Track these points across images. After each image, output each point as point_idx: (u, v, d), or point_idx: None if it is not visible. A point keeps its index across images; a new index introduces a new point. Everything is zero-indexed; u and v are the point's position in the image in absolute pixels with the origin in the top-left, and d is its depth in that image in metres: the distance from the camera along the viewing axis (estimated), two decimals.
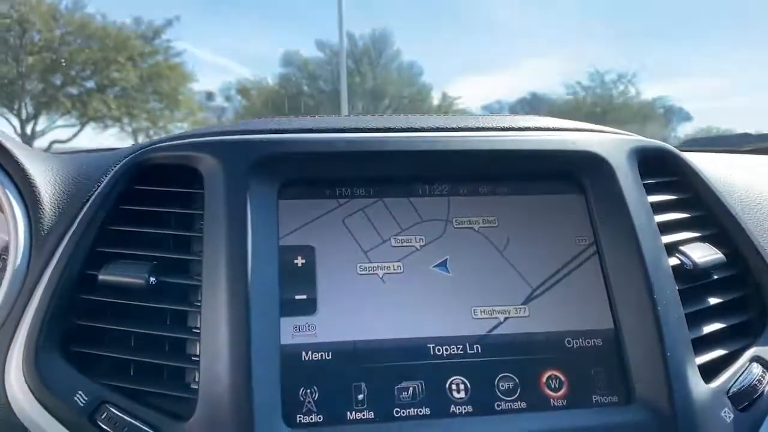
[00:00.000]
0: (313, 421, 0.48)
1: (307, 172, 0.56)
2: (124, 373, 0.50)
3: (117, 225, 0.55)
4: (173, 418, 0.48)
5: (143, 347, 0.51)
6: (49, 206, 0.57)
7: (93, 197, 0.56)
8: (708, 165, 0.67)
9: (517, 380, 0.52)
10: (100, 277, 0.52)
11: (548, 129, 0.63)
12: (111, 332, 0.52)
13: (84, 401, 0.48)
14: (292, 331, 0.51)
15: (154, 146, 0.58)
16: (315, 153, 0.56)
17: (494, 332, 0.53)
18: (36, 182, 0.58)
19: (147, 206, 0.56)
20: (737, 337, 0.58)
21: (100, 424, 0.47)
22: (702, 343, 0.56)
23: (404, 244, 0.56)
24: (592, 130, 0.64)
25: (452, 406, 0.50)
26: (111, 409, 0.47)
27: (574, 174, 0.60)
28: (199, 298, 0.51)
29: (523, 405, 0.51)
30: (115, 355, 0.50)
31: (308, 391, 0.49)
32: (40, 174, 0.59)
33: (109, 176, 0.57)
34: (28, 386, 0.48)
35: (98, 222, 0.55)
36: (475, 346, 0.53)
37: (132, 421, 0.47)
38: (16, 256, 0.55)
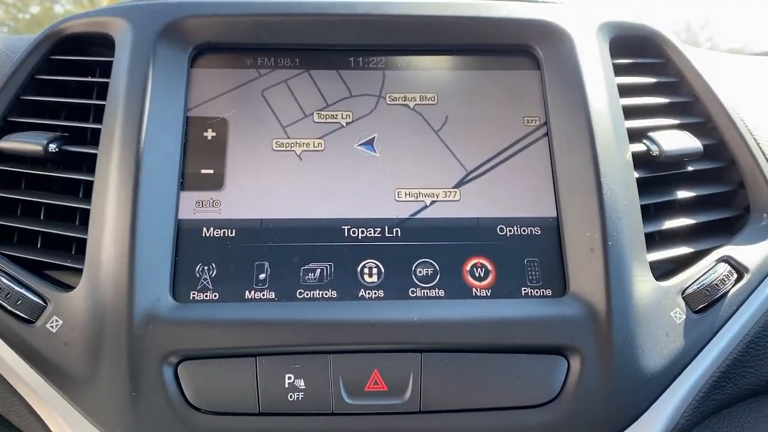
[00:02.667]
0: (208, 298, 0.45)
1: (222, 37, 0.51)
2: (19, 243, 0.48)
3: (30, 95, 0.52)
4: (61, 288, 0.45)
5: (37, 217, 0.49)
6: None
7: (9, 67, 0.53)
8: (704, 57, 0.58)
9: (437, 266, 0.47)
10: (0, 144, 0.49)
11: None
12: (6, 201, 0.49)
13: None
14: (194, 206, 0.47)
15: (72, 15, 0.55)
16: (231, 15, 0.51)
17: (417, 216, 0.48)
18: None
19: (61, 76, 0.53)
20: (708, 236, 0.51)
21: None
22: (663, 239, 0.49)
23: (328, 120, 0.51)
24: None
25: (362, 290, 0.46)
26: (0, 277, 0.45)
27: (529, 47, 0.52)
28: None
29: (441, 293, 0.46)
30: (8, 224, 0.48)
31: (206, 268, 0.46)
32: None
33: (26, 47, 0.54)
34: None
35: (12, 91, 0.52)
36: (394, 230, 0.48)
37: (18, 289, 0.45)
38: None
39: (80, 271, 0.45)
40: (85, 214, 0.48)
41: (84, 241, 0.47)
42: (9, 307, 0.44)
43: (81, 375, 0.43)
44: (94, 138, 0.51)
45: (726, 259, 0.49)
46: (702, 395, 0.46)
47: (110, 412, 0.42)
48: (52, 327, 0.44)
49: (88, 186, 0.49)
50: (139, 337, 0.42)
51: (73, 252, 0.48)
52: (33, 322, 0.44)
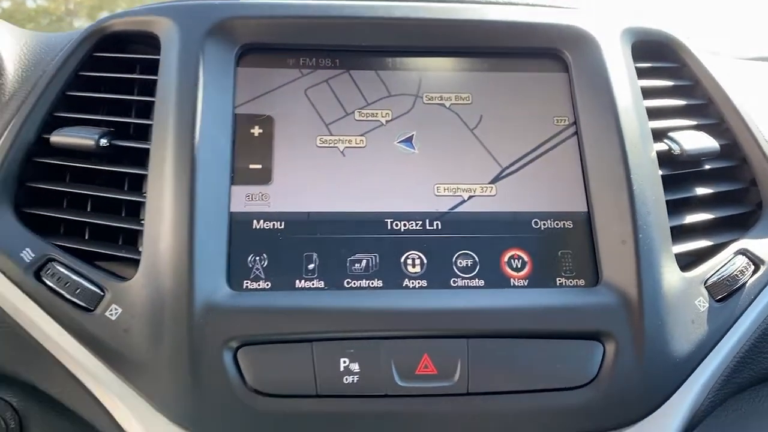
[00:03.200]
0: (261, 287, 0.47)
1: (266, 38, 0.53)
2: (72, 234, 0.50)
3: (75, 91, 0.54)
4: (117, 278, 0.47)
5: (91, 209, 0.50)
6: (12, 73, 0.56)
7: (53, 63, 0.55)
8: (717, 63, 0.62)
9: (476, 258, 0.49)
10: (52, 138, 0.51)
11: (536, 5, 0.58)
12: (61, 194, 0.51)
13: (30, 257, 0.47)
14: (244, 200, 0.49)
15: (114, 14, 0.56)
16: (275, 17, 0.53)
17: (456, 210, 0.51)
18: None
19: (105, 72, 0.54)
20: (725, 230, 0.54)
21: (45, 280, 0.46)
22: (684, 232, 0.52)
23: (369, 118, 0.53)
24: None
25: (406, 280, 0.48)
26: (57, 266, 0.47)
27: (558, 51, 0.55)
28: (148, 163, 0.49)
29: (481, 283, 0.49)
30: (64, 216, 0.50)
31: (257, 258, 0.48)
32: (4, 43, 0.57)
33: (69, 43, 0.55)
34: None
35: (57, 87, 0.53)
36: (435, 223, 0.50)
37: (76, 278, 0.46)
38: None
39: (133, 261, 0.47)
40: (134, 207, 0.50)
41: (134, 233, 0.49)
42: (68, 296, 0.46)
43: (141, 361, 0.44)
44: (137, 133, 0.53)
45: (743, 252, 0.52)
46: (724, 378, 0.49)
47: (171, 396, 0.44)
48: (111, 315, 0.45)
49: (135, 179, 0.51)
50: (199, 323, 0.43)
51: (120, 243, 0.50)
52: (92, 310, 0.46)
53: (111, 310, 0.45)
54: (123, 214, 0.50)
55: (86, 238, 0.50)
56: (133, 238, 0.49)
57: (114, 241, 0.50)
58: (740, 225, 0.55)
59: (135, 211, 0.50)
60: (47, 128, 0.52)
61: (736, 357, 0.50)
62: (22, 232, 0.48)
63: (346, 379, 0.43)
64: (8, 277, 0.47)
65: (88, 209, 0.51)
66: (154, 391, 0.44)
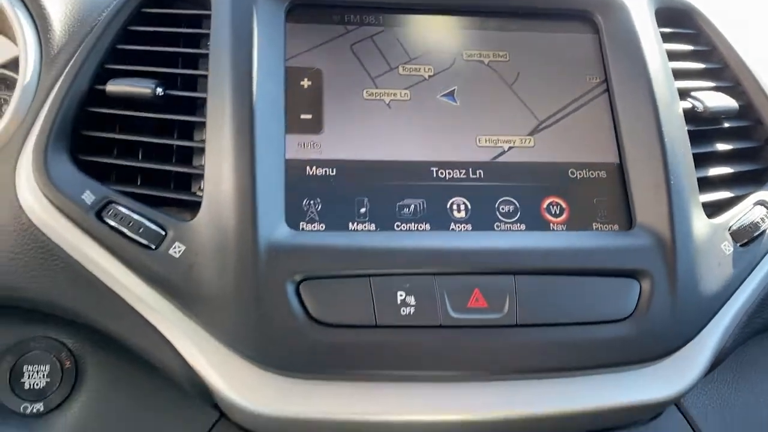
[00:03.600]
0: (316, 229, 0.49)
1: None
2: (131, 180, 0.51)
3: (125, 44, 0.55)
4: (178, 218, 0.49)
5: (149, 156, 0.52)
6: (60, 27, 0.57)
7: (102, 18, 0.56)
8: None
9: (517, 204, 0.52)
10: (108, 88, 0.52)
11: None
12: (118, 142, 0.52)
13: (92, 199, 0.49)
14: (296, 148, 0.52)
15: None
16: None
17: (498, 159, 0.53)
18: (45, 3, 0.58)
19: (155, 27, 0.56)
20: (743, 183, 0.58)
21: (107, 220, 0.48)
22: (707, 184, 0.56)
23: (412, 72, 0.55)
24: None
25: (452, 224, 0.51)
26: (118, 207, 0.48)
27: (589, 13, 0.58)
28: (205, 112, 0.51)
29: (523, 227, 0.51)
30: (122, 162, 0.51)
31: (311, 202, 0.50)
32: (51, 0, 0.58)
33: (117, 0, 0.57)
34: (38, 187, 0.49)
35: (107, 41, 0.55)
36: (477, 171, 0.53)
37: (138, 218, 0.48)
38: (26, 72, 0.55)
39: (188, 205, 0.49)
40: (186, 154, 0.52)
41: (187, 178, 0.51)
42: (132, 235, 0.47)
43: (206, 296, 0.46)
44: (187, 85, 0.54)
45: (761, 203, 0.56)
46: (746, 318, 0.53)
47: (236, 329, 0.46)
48: (175, 252, 0.47)
49: (185, 128, 0.53)
50: (263, 259, 0.45)
51: (172, 187, 0.51)
52: (156, 248, 0.47)
53: (175, 248, 0.47)
54: (172, 158, 0.52)
55: (137, 181, 0.52)
56: (186, 184, 0.51)
57: (164, 182, 0.51)
58: (757, 180, 0.59)
59: (186, 158, 0.52)
60: (98, 80, 0.54)
61: (758, 297, 0.54)
62: (81, 177, 0.50)
63: (403, 310, 0.46)
64: (70, 218, 0.48)
65: (139, 157, 0.52)
66: (218, 325, 0.46)
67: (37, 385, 0.52)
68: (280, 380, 0.46)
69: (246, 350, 0.46)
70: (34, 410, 0.51)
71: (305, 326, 0.45)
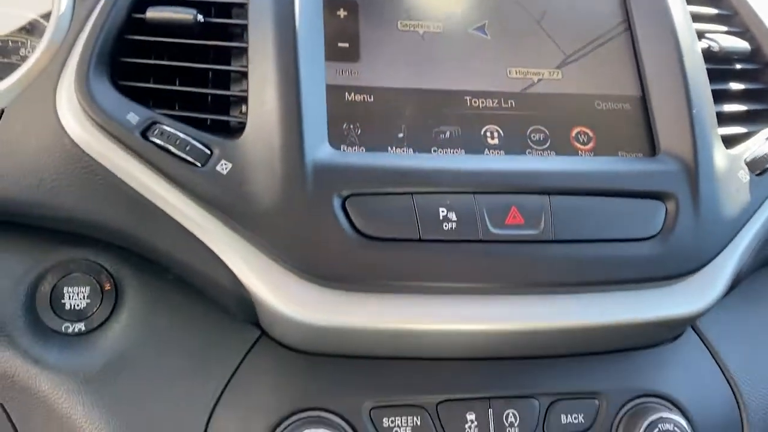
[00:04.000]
0: (357, 151, 0.51)
1: None
2: (173, 103, 0.52)
3: None
4: (223, 138, 0.50)
5: (191, 82, 0.53)
6: None
7: None
8: None
9: (547, 132, 0.54)
10: (149, 14, 0.53)
11: None
12: (159, 68, 0.53)
13: (136, 120, 0.49)
14: (336, 74, 0.53)
15: None
16: None
17: (528, 90, 0.55)
18: None
19: None
20: (755, 120, 0.61)
21: (153, 139, 0.49)
22: (722, 119, 0.58)
23: (444, 6, 0.57)
24: None
25: (486, 149, 0.53)
26: (163, 126, 0.49)
27: None
28: (246, 38, 0.52)
29: (553, 153, 0.53)
30: (163, 87, 0.52)
31: (351, 126, 0.51)
32: None
33: None
34: (81, 108, 0.50)
35: None
36: (509, 101, 0.55)
37: (184, 136, 0.49)
38: (60, 2, 0.56)
39: (231, 126, 0.50)
40: (224, 79, 0.53)
41: (227, 102, 0.52)
42: (178, 152, 0.48)
43: (254, 212, 0.47)
44: (223, 13, 0.55)
45: None
46: (762, 243, 0.56)
47: (286, 243, 0.47)
48: (222, 169, 0.48)
49: (223, 54, 0.53)
50: (310, 176, 0.47)
51: (232, 110, 0.52)
52: (203, 166, 0.48)
53: (222, 165, 0.48)
54: (215, 83, 0.53)
55: (180, 104, 0.52)
56: (228, 104, 0.52)
57: (207, 105, 0.52)
58: (765, 117, 0.62)
59: (223, 85, 0.53)
60: (136, 8, 0.54)
61: None
62: (124, 101, 0.50)
63: (445, 225, 0.48)
64: (115, 138, 0.49)
65: (181, 80, 0.53)
66: (267, 239, 0.47)
67: (77, 306, 0.52)
68: (327, 292, 0.48)
69: (293, 262, 0.47)
70: (76, 330, 0.52)
71: (352, 239, 0.47)
